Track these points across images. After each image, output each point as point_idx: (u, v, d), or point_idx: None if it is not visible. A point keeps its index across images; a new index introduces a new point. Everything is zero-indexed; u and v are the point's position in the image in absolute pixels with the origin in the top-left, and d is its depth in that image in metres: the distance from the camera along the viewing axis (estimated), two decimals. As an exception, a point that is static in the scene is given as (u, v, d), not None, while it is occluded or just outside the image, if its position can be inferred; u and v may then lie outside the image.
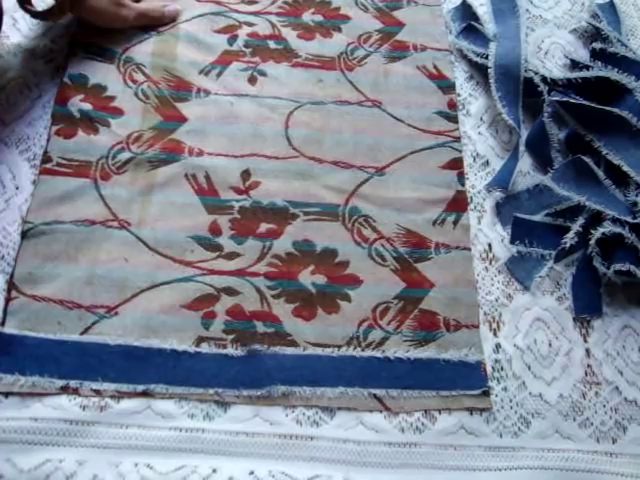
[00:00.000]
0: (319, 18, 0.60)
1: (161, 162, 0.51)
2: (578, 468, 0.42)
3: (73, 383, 0.42)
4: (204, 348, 0.44)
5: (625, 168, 0.50)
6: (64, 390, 0.42)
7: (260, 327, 0.45)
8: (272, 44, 0.58)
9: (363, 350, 0.45)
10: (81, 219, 0.48)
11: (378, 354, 0.44)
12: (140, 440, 0.41)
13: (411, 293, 0.47)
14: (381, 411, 0.43)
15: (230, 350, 0.44)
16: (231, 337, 0.45)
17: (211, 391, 0.43)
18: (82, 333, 0.44)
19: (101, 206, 0.49)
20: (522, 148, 0.53)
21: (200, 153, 0.52)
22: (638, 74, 0.53)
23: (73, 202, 0.48)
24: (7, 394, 0.41)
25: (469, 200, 0.52)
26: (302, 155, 0.52)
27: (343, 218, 0.50)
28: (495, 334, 0.46)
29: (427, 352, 0.45)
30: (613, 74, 0.53)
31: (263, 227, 0.49)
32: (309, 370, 0.44)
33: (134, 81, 0.54)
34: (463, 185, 0.52)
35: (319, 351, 0.44)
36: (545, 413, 0.44)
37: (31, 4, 0.52)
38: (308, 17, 0.60)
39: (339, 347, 0.45)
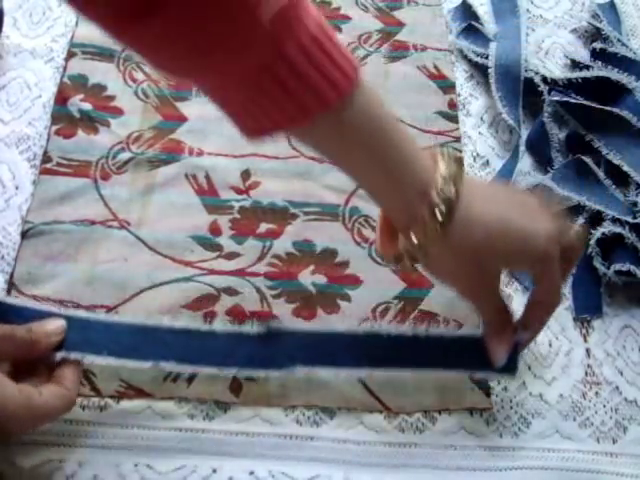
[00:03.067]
0: (319, 18, 0.60)
1: (161, 162, 0.51)
2: (578, 468, 0.42)
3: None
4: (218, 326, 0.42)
5: (625, 168, 0.50)
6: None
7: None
8: (272, 44, 0.58)
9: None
10: (81, 219, 0.48)
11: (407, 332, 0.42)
12: (140, 440, 0.41)
13: (411, 293, 0.47)
14: (381, 411, 0.43)
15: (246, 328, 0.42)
16: (231, 337, 0.45)
17: (226, 371, 0.41)
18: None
19: (101, 206, 0.49)
20: (522, 148, 0.53)
21: (200, 153, 0.52)
22: (638, 74, 0.53)
23: (73, 202, 0.48)
24: (7, 394, 0.41)
25: (469, 200, 0.51)
26: (302, 155, 0.52)
27: (343, 218, 0.50)
28: (495, 334, 0.46)
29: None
30: (613, 74, 0.53)
31: (263, 227, 0.49)
32: (328, 350, 0.42)
33: (134, 80, 0.54)
34: (463, 185, 0.52)
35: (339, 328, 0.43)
36: (545, 413, 0.43)
37: None
38: (308, 17, 0.60)
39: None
